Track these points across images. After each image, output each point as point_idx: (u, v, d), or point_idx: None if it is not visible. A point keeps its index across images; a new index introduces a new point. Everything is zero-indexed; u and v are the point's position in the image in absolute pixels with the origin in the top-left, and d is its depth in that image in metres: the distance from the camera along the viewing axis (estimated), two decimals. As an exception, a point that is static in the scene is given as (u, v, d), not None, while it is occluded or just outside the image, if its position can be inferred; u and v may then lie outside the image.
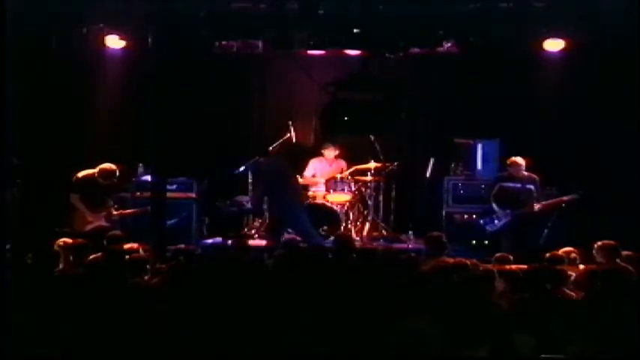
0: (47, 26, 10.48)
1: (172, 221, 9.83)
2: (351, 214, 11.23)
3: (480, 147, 10.99)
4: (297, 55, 11.66)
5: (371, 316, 5.37)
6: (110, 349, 5.15)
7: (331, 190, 11.21)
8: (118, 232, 8.30)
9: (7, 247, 6.62)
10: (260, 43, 11.30)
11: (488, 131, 11.08)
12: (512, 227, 9.80)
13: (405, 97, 12.41)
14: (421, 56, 11.63)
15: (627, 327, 5.09)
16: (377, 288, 5.89)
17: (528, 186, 9.77)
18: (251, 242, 9.93)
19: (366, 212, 11.45)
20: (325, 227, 10.82)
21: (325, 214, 10.95)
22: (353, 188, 11.26)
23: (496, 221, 9.92)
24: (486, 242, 10.24)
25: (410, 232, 11.14)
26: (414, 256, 7.33)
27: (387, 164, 11.31)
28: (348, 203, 11.18)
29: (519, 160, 9.80)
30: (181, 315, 5.41)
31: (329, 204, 11.07)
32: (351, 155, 11.73)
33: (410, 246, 10.57)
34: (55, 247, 7.32)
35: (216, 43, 11.30)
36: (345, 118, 12.31)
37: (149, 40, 9.48)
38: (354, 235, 10.84)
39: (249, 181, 11.13)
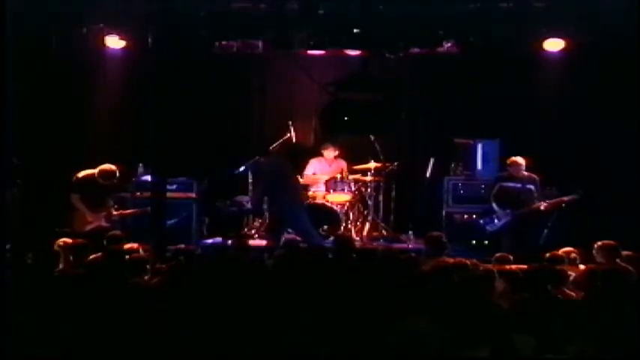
0: (47, 26, 10.48)
1: (172, 221, 9.83)
2: (351, 214, 11.23)
3: (480, 147, 10.99)
4: (297, 55, 11.66)
5: (371, 316, 5.36)
6: (110, 349, 5.15)
7: (331, 190, 11.21)
8: (118, 232, 8.30)
9: (7, 247, 6.62)
10: (260, 43, 11.30)
11: (488, 131, 11.08)
12: (512, 227, 9.80)
13: (405, 97, 12.41)
14: (421, 56, 11.63)
15: (627, 327, 5.09)
16: (377, 288, 5.88)
17: (528, 186, 9.77)
18: (251, 242, 9.93)
19: (366, 212, 11.45)
20: (325, 227, 10.82)
21: (325, 214, 10.95)
22: (353, 188, 11.27)
23: (496, 221, 9.92)
24: (486, 242, 10.24)
25: (410, 232, 11.15)
26: (414, 256, 7.34)
27: (387, 164, 11.32)
28: (348, 203, 11.18)
29: (519, 160, 9.80)
30: (181, 315, 5.41)
31: (329, 204, 11.07)
32: (351, 155, 11.74)
33: (410, 246, 10.57)
34: (55, 247, 7.32)
35: (216, 43, 11.30)
36: (345, 118, 12.32)
37: (149, 40, 9.49)
38: (354, 235, 10.84)
39: (249, 181, 11.13)
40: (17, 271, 6.35)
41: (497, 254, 7.31)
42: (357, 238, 10.83)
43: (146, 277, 6.56)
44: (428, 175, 11.33)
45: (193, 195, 10.73)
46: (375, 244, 10.60)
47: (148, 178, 9.64)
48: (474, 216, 10.60)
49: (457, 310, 5.23)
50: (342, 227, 10.84)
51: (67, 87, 11.00)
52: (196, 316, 5.39)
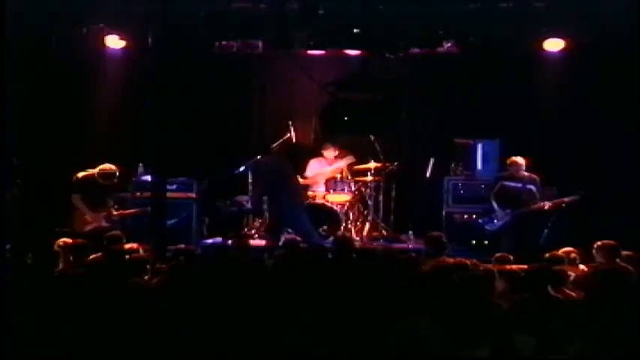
0: (47, 26, 10.47)
1: (172, 221, 9.83)
2: (351, 214, 11.23)
3: (480, 147, 10.99)
4: (297, 55, 11.66)
5: (371, 316, 5.37)
6: (110, 349, 5.15)
7: (331, 190, 11.21)
8: (117, 232, 8.29)
9: (7, 247, 6.62)
10: (260, 43, 11.30)
11: (488, 131, 11.07)
12: (511, 227, 9.80)
13: (405, 97, 12.41)
14: (421, 56, 11.63)
15: (627, 327, 5.09)
16: (377, 288, 5.88)
17: (529, 186, 9.77)
18: (251, 242, 9.92)
19: (366, 212, 11.45)
20: (325, 227, 10.82)
21: (325, 214, 10.95)
22: (353, 188, 11.27)
23: (495, 221, 9.92)
24: (486, 242, 10.24)
25: (410, 232, 11.14)
26: (414, 256, 7.33)
27: (387, 164, 11.32)
28: (348, 203, 11.19)
29: (519, 159, 9.80)
30: (181, 315, 5.41)
31: (329, 204, 11.07)
32: (351, 155, 11.72)
33: (410, 246, 10.56)
34: (55, 247, 7.32)
35: (216, 43, 11.30)
36: (345, 118, 12.31)
37: (149, 40, 9.49)
38: (354, 235, 10.84)
39: (249, 181, 11.12)
40: (17, 271, 6.35)
41: (498, 254, 7.30)
42: (357, 238, 10.83)
43: (146, 277, 6.55)
44: (428, 175, 11.32)
45: (193, 195, 10.73)
46: (375, 244, 10.59)
47: (148, 178, 9.64)
48: (474, 216, 10.61)
49: (457, 310, 5.23)
50: (342, 227, 10.84)
51: (67, 87, 11.00)
52: (196, 316, 5.39)
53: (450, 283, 5.88)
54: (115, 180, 9.54)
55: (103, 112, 11.55)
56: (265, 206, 10.68)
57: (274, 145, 11.04)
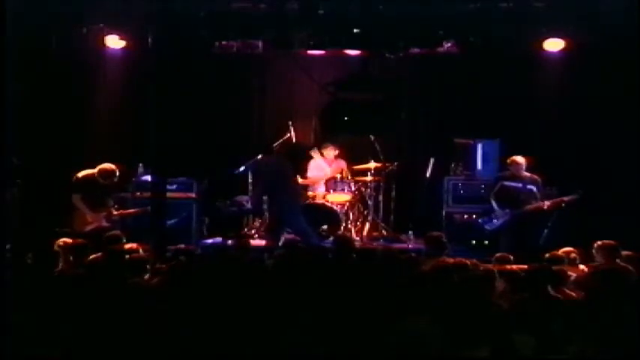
0: (47, 26, 10.47)
1: (172, 221, 9.83)
2: (351, 214, 11.23)
3: (480, 147, 10.99)
4: (297, 55, 11.66)
5: (371, 316, 5.36)
6: (110, 349, 5.15)
7: (331, 190, 11.21)
8: (117, 232, 8.29)
9: (7, 247, 6.62)
10: (260, 43, 11.31)
11: (488, 131, 11.08)
12: (510, 227, 9.79)
13: (405, 97, 12.41)
14: (421, 56, 11.63)
15: (627, 327, 5.09)
16: (377, 288, 5.88)
17: (529, 187, 9.76)
18: (251, 242, 9.91)
19: (366, 212, 11.45)
20: (325, 227, 10.82)
21: (325, 214, 10.95)
22: (353, 188, 11.27)
23: (494, 220, 9.91)
24: (486, 242, 10.25)
25: (410, 232, 11.15)
26: (414, 256, 7.33)
27: (387, 164, 11.32)
28: (348, 203, 11.19)
29: (520, 159, 9.79)
30: (181, 315, 5.41)
31: (329, 204, 11.07)
32: (351, 155, 11.74)
33: (410, 246, 10.57)
34: (55, 247, 7.32)
35: (216, 43, 11.30)
36: (345, 118, 12.32)
37: (149, 40, 9.48)
38: (354, 235, 10.85)
39: (249, 181, 11.13)
40: (17, 271, 6.35)
41: (498, 254, 7.31)
42: (357, 238, 10.83)
43: (146, 277, 6.55)
44: (428, 175, 11.33)
45: (193, 195, 10.73)
46: (375, 244, 10.60)
47: (148, 178, 9.64)
48: (474, 216, 10.61)
49: (457, 310, 5.23)
50: (342, 227, 10.85)
51: (67, 87, 10.99)
52: (196, 316, 5.39)
53: (450, 283, 5.88)
54: (115, 179, 9.53)
55: (103, 112, 11.55)
56: (265, 206, 10.69)
57: (275, 144, 11.04)
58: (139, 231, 8.55)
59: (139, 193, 10.28)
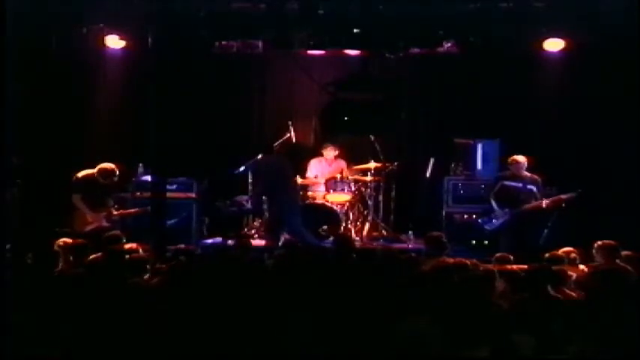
0: (47, 26, 10.47)
1: (172, 221, 9.83)
2: (351, 214, 11.23)
3: (480, 147, 10.98)
4: (297, 55, 11.66)
5: (371, 316, 5.36)
6: (110, 349, 5.15)
7: (331, 190, 11.21)
8: (117, 232, 8.29)
9: (7, 247, 6.62)
10: (260, 43, 11.31)
11: (488, 131, 11.07)
12: (510, 227, 9.79)
13: (405, 97, 12.42)
14: (421, 56, 11.64)
15: (627, 327, 5.09)
16: (377, 288, 5.88)
17: (529, 187, 9.76)
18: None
19: (366, 212, 11.45)
20: (325, 227, 10.82)
21: (325, 214, 10.95)
22: (353, 188, 11.27)
23: (494, 220, 9.91)
24: (486, 242, 10.24)
25: (410, 232, 11.15)
26: (414, 256, 7.33)
27: (387, 164, 11.32)
28: (348, 203, 11.19)
29: (520, 158, 9.79)
30: (181, 315, 5.41)
31: (329, 204, 11.07)
32: (351, 155, 11.74)
33: (410, 246, 10.57)
34: (55, 247, 7.32)
35: (216, 43, 11.31)
36: (345, 118, 12.32)
37: (149, 40, 9.47)
38: (354, 235, 10.85)
39: (249, 181, 11.13)
40: (17, 271, 6.35)
41: (498, 254, 7.31)
42: (357, 238, 10.83)
43: (146, 277, 6.55)
44: (428, 175, 11.33)
45: (193, 195, 10.73)
46: (375, 244, 10.60)
47: (148, 178, 9.63)
48: (474, 216, 10.60)
49: (457, 310, 5.23)
50: (342, 227, 10.84)
51: (67, 87, 10.99)
52: (196, 316, 5.39)
53: (450, 283, 5.88)
54: (115, 179, 9.53)
55: (103, 112, 11.55)
56: (265, 206, 10.69)
57: (275, 144, 11.05)
58: (139, 231, 8.55)
59: (139, 193, 10.28)
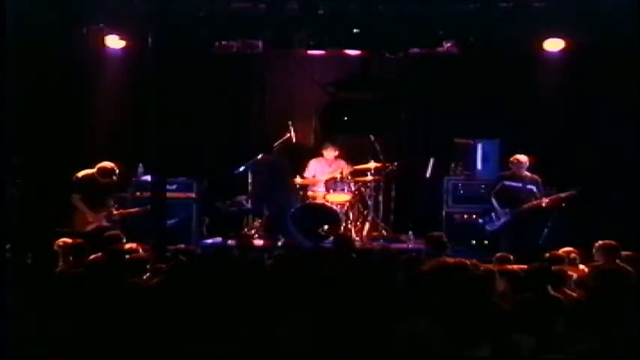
0: (47, 26, 10.47)
1: (172, 221, 9.84)
2: (351, 214, 11.23)
3: (479, 147, 10.98)
4: (297, 55, 11.66)
5: (371, 316, 5.36)
6: (110, 349, 5.15)
7: (331, 190, 11.21)
8: (117, 232, 8.29)
9: (7, 247, 6.61)
10: (260, 43, 11.32)
11: (488, 131, 11.07)
12: (511, 226, 9.79)
13: (405, 97, 12.42)
14: (421, 56, 11.65)
15: (627, 327, 5.09)
16: (377, 288, 5.88)
17: (529, 187, 9.76)
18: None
19: (366, 212, 11.45)
20: (325, 227, 10.82)
21: (325, 214, 10.94)
22: (353, 188, 11.26)
23: (495, 220, 9.91)
24: (486, 242, 10.24)
25: (410, 232, 11.15)
26: (414, 256, 7.33)
27: (387, 164, 11.32)
28: (348, 203, 11.18)
29: (522, 157, 9.79)
30: (181, 315, 5.40)
31: (329, 204, 11.07)
32: (351, 155, 11.74)
33: (410, 246, 10.57)
34: (55, 247, 7.33)
35: (216, 43, 11.32)
36: (345, 118, 12.32)
37: (149, 40, 9.47)
38: (354, 235, 10.84)
39: (249, 181, 11.13)
40: (17, 271, 6.34)
41: (498, 254, 7.31)
42: (357, 238, 10.83)
43: (146, 277, 6.55)
44: (428, 175, 11.33)
45: (193, 195, 10.74)
46: (374, 244, 10.60)
47: (148, 178, 9.63)
48: (474, 216, 10.61)
49: (457, 310, 5.22)
50: (342, 227, 10.84)
51: (67, 87, 10.99)
52: (196, 316, 5.39)
53: (450, 283, 5.87)
54: (115, 177, 9.54)
55: (103, 112, 11.54)
56: (265, 206, 10.68)
57: (275, 144, 11.05)
58: (139, 231, 8.55)
59: (139, 193, 10.28)
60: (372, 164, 11.29)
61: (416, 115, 12.40)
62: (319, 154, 11.71)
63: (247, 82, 12.36)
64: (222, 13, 10.58)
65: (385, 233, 11.32)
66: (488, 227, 10.00)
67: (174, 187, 10.29)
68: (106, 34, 10.96)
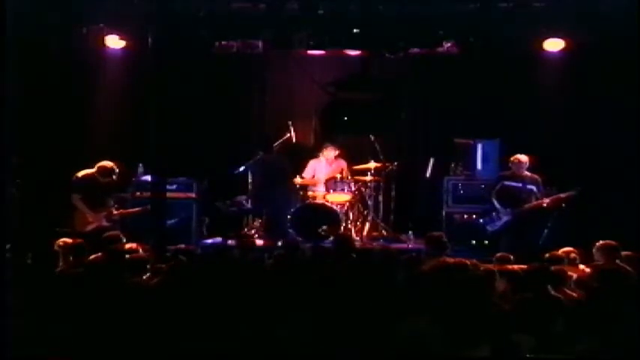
0: (47, 26, 10.47)
1: (172, 221, 9.84)
2: (351, 214, 11.23)
3: (479, 147, 10.98)
4: (297, 55, 11.67)
5: (371, 316, 5.36)
6: (110, 348, 5.15)
7: (331, 190, 11.21)
8: (117, 232, 8.29)
9: (7, 247, 6.61)
10: (260, 43, 11.32)
11: (488, 131, 11.07)
12: (511, 226, 9.79)
13: (405, 97, 12.42)
14: (421, 56, 11.65)
15: (627, 327, 5.09)
16: (377, 288, 5.88)
17: (529, 186, 9.76)
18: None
19: (366, 212, 11.45)
20: (325, 227, 10.81)
21: (325, 214, 10.94)
22: (353, 188, 11.26)
23: (496, 220, 9.91)
24: (486, 242, 10.24)
25: (410, 232, 11.15)
26: (414, 256, 7.33)
27: (387, 164, 11.32)
28: (348, 203, 11.18)
29: (522, 157, 9.79)
30: (181, 315, 5.41)
31: (329, 204, 11.07)
32: (351, 155, 11.73)
33: (410, 246, 10.57)
34: (55, 247, 7.33)
35: (216, 43, 11.32)
36: (345, 118, 12.33)
37: (149, 40, 9.46)
38: (354, 235, 10.84)
39: (249, 180, 11.13)
40: (17, 271, 6.34)
41: (498, 254, 7.30)
42: (357, 238, 10.83)
43: (146, 277, 6.55)
44: (428, 175, 11.33)
45: (193, 195, 10.74)
46: (374, 244, 10.59)
47: (148, 178, 9.62)
48: (474, 216, 10.60)
49: (457, 310, 5.23)
50: (342, 227, 10.83)
51: (67, 87, 10.99)
52: (196, 316, 5.39)
53: (450, 283, 5.87)
54: (114, 176, 9.55)
55: (103, 112, 11.54)
56: (265, 206, 10.68)
57: (275, 144, 11.04)
58: (139, 231, 8.55)
59: (139, 193, 10.28)
60: (372, 164, 11.29)
61: (416, 115, 12.40)
62: (319, 154, 11.70)
63: (247, 82, 12.37)
64: (222, 13, 10.58)
65: (385, 233, 11.32)
66: (489, 227, 9.99)
67: (174, 187, 10.29)
68: (106, 34, 10.96)
